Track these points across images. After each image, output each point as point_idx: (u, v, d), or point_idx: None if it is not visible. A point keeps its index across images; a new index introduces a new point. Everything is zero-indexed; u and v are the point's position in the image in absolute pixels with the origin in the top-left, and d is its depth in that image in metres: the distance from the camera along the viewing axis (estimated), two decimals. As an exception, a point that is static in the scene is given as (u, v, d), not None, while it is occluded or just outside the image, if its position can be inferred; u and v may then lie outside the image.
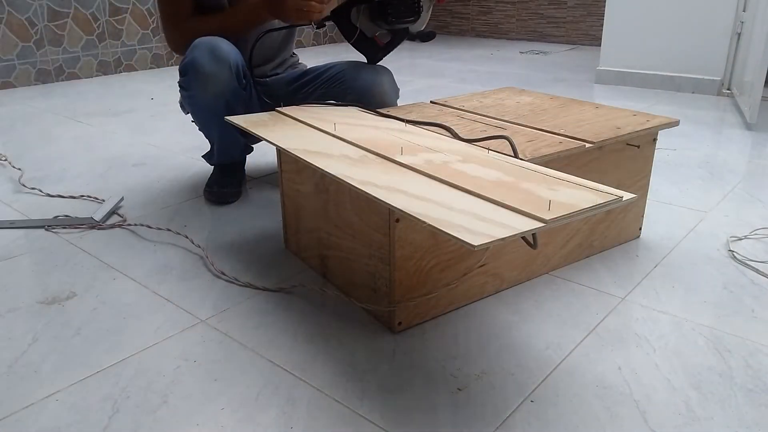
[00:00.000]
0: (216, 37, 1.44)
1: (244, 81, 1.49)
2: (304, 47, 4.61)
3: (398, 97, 1.58)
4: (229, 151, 1.62)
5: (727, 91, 2.81)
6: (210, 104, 1.45)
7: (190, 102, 1.49)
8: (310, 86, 1.62)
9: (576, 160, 1.16)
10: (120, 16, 3.55)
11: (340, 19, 1.40)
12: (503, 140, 1.12)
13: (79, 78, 3.45)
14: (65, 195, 1.68)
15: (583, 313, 1.09)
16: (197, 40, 1.43)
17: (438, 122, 1.24)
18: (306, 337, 1.03)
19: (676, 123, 1.27)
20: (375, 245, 1.02)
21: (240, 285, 1.20)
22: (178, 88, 1.51)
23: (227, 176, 1.64)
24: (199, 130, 1.60)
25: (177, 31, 1.51)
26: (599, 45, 3.54)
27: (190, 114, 1.64)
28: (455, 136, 1.16)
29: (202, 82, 1.42)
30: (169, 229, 1.44)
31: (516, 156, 1.04)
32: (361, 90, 1.50)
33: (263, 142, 1.97)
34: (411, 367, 0.95)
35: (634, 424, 0.83)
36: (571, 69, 3.59)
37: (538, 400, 0.88)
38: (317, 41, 4.76)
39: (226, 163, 1.66)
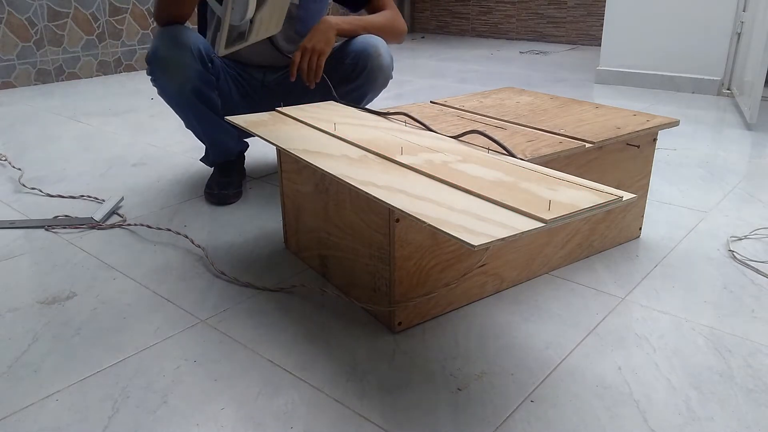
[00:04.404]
0: (180, 26, 1.43)
1: (210, 65, 1.46)
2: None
3: (392, 66, 1.59)
4: (221, 142, 1.60)
5: (727, 91, 2.81)
6: (177, 91, 1.44)
7: (160, 93, 1.48)
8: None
9: (576, 160, 1.16)
10: (120, 16, 3.55)
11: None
12: (506, 138, 1.12)
13: (79, 78, 3.45)
14: (65, 195, 1.68)
15: (583, 313, 1.09)
16: (160, 30, 1.43)
17: (400, 111, 1.28)
18: (306, 337, 1.03)
19: (676, 123, 1.27)
20: (375, 245, 1.02)
21: (240, 285, 1.20)
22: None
23: (227, 176, 1.64)
24: (186, 127, 1.59)
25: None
26: (599, 45, 3.54)
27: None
28: (419, 123, 1.18)
29: (165, 69, 1.41)
30: (169, 229, 1.44)
31: (508, 153, 1.04)
32: (358, 49, 1.53)
33: (262, 141, 1.96)
34: (411, 367, 0.95)
35: (634, 424, 0.83)
36: (571, 69, 3.59)
37: (538, 400, 0.88)
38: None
39: (223, 161, 1.65)
